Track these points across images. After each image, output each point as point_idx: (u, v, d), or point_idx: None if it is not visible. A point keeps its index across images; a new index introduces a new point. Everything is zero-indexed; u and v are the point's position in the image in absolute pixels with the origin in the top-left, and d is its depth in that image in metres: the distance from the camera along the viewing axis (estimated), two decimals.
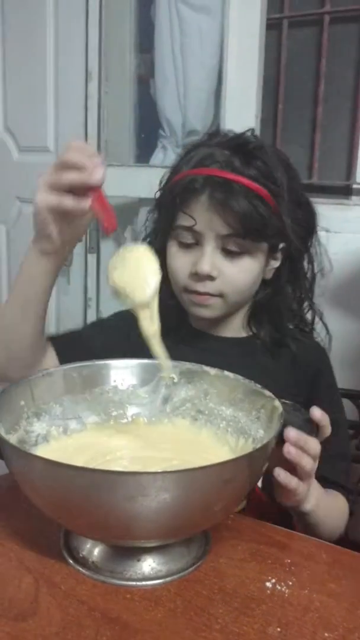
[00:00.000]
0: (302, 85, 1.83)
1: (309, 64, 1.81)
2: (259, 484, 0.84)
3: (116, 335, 0.97)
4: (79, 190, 0.72)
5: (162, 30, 1.96)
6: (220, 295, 0.92)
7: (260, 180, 0.87)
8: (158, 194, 0.99)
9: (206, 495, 0.58)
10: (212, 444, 0.78)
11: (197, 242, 0.91)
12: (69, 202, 0.73)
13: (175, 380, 0.82)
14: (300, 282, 1.00)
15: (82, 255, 2.16)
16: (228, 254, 0.90)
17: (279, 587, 0.64)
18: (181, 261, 0.92)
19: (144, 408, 0.84)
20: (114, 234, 0.74)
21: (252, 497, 0.86)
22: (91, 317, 2.22)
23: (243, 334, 1.01)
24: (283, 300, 0.99)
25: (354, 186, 1.76)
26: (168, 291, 0.97)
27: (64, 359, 0.91)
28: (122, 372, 0.83)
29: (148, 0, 2.05)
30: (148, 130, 2.14)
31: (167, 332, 0.90)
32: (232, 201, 0.86)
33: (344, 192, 1.78)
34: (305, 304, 1.02)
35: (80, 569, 0.66)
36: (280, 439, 0.68)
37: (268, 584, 0.65)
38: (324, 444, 0.74)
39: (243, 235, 0.88)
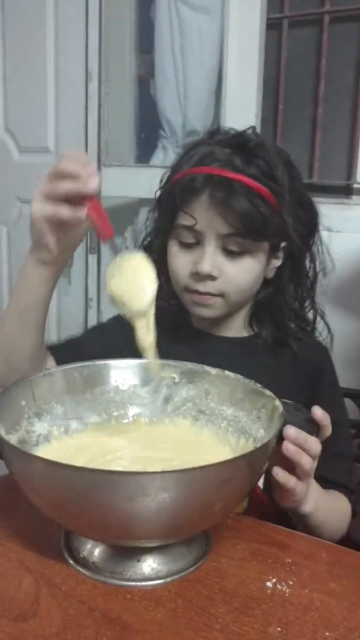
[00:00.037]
0: (302, 85, 1.83)
1: (309, 63, 1.82)
2: (261, 485, 0.84)
3: (117, 338, 0.97)
4: (74, 199, 0.72)
5: (162, 30, 1.97)
6: (221, 295, 0.91)
7: (261, 179, 0.87)
8: (158, 193, 0.98)
9: (206, 495, 0.58)
10: (213, 444, 0.78)
11: (197, 242, 0.90)
12: (65, 211, 0.72)
13: (177, 380, 0.82)
14: (302, 281, 0.99)
15: (82, 256, 2.16)
16: (229, 253, 0.89)
17: (279, 587, 0.64)
18: (182, 261, 0.92)
19: (145, 408, 0.84)
20: (109, 239, 0.74)
21: (254, 498, 0.86)
22: (92, 318, 2.22)
23: (244, 333, 1.01)
24: (285, 300, 0.98)
25: (355, 186, 1.76)
26: (169, 291, 0.97)
27: None
28: (123, 372, 0.83)
29: (148, 0, 2.05)
30: (148, 130, 2.14)
31: (168, 332, 0.90)
32: (233, 200, 0.85)
33: (345, 191, 1.79)
34: (307, 303, 1.01)
35: (81, 569, 0.65)
36: (280, 438, 0.68)
37: (268, 584, 0.64)
38: (325, 443, 0.73)
39: (244, 235, 0.87)
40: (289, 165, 0.93)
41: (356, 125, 1.76)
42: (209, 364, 0.81)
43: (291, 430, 0.69)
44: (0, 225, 2.45)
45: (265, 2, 1.77)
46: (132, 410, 0.84)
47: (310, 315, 1.02)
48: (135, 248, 1.05)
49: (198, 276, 0.90)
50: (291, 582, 0.65)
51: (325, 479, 0.84)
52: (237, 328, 1.01)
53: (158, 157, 2.10)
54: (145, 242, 1.02)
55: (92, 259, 2.16)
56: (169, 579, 0.64)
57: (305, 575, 0.66)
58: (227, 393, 0.79)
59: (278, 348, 0.99)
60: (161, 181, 0.98)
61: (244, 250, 0.89)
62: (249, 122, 0.97)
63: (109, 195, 2.00)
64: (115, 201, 2.01)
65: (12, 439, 0.70)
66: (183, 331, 1.00)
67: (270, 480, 0.72)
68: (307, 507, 0.76)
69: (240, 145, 0.89)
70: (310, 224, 0.97)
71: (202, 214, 0.88)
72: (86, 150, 2.10)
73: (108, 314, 1.11)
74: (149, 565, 0.65)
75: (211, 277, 0.89)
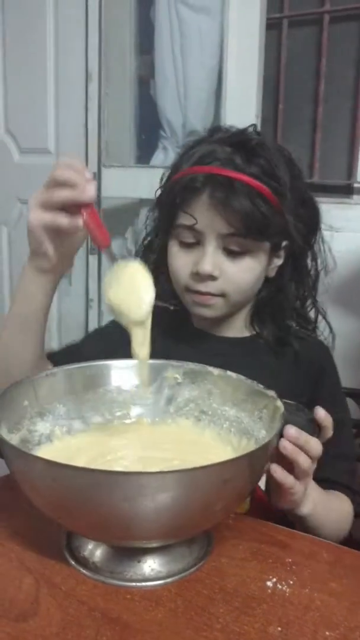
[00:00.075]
0: (302, 85, 1.83)
1: (309, 63, 1.82)
2: (262, 486, 0.84)
3: (117, 341, 0.96)
4: (71, 207, 0.72)
5: (162, 31, 1.97)
6: (222, 295, 0.91)
7: (262, 178, 0.86)
8: (158, 192, 0.98)
9: (206, 495, 0.58)
10: (215, 444, 0.78)
11: (198, 242, 0.90)
12: (62, 219, 0.73)
13: (179, 380, 0.82)
14: (304, 280, 0.99)
15: (83, 257, 2.16)
16: (230, 253, 0.89)
17: (279, 587, 0.64)
18: (182, 261, 0.92)
19: (147, 408, 0.84)
20: (107, 248, 0.74)
21: (255, 499, 0.85)
22: (93, 318, 2.22)
23: (246, 333, 1.01)
24: (286, 299, 0.98)
25: (355, 185, 1.77)
26: (170, 291, 0.97)
27: None
28: (125, 372, 0.83)
29: (148, 1, 2.05)
30: (148, 131, 2.14)
31: (169, 333, 0.89)
32: (234, 200, 0.84)
33: (345, 191, 1.79)
34: (309, 302, 1.01)
35: (81, 569, 0.65)
36: (281, 438, 0.68)
37: (269, 583, 0.64)
38: (327, 444, 0.73)
39: (244, 235, 0.87)
40: (290, 163, 0.92)
41: (356, 124, 1.76)
42: (210, 364, 0.81)
43: (292, 430, 0.68)
44: (0, 226, 2.46)
45: (265, 2, 1.77)
46: (135, 411, 0.84)
47: (311, 314, 1.02)
48: (135, 251, 1.05)
49: (199, 276, 0.89)
50: (292, 582, 0.65)
51: (327, 480, 0.84)
52: (238, 328, 1.00)
53: (158, 157, 2.10)
54: (146, 242, 1.01)
55: (93, 259, 2.16)
56: (169, 580, 0.64)
57: (306, 575, 0.66)
58: (230, 393, 0.79)
59: (279, 348, 0.98)
60: (161, 180, 0.97)
61: (244, 250, 0.89)
62: (249, 122, 0.96)
63: (109, 196, 2.00)
64: (116, 202, 2.01)
65: (14, 438, 0.70)
66: (184, 331, 1.00)
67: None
68: (306, 508, 0.75)
69: (241, 143, 0.88)
70: (311, 222, 0.96)
71: (202, 214, 0.87)
72: (86, 150, 2.10)
73: (109, 314, 1.10)
74: (150, 566, 0.65)
75: (212, 277, 0.89)
